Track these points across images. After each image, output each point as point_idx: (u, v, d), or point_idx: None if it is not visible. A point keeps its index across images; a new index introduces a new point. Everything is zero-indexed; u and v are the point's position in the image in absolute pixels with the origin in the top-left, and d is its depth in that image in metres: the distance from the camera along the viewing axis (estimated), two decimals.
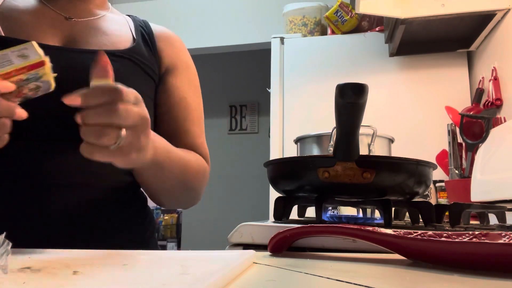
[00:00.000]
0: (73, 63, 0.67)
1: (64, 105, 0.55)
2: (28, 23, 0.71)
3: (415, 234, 0.41)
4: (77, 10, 0.76)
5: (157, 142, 0.62)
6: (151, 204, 0.80)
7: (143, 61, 0.75)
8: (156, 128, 0.79)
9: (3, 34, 0.67)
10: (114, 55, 0.71)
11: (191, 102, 0.81)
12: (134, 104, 0.50)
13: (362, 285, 0.30)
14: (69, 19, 0.74)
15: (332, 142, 0.90)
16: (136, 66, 0.74)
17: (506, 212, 0.80)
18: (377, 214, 0.82)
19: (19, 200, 0.63)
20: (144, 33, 0.80)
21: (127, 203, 0.73)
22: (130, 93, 0.50)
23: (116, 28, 0.78)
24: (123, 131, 0.48)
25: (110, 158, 0.49)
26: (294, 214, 0.81)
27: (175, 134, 0.78)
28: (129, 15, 0.86)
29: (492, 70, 1.60)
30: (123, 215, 0.72)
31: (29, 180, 0.64)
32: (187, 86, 0.82)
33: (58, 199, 0.64)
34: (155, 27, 0.84)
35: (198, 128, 0.81)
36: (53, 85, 0.52)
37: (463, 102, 1.86)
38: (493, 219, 0.84)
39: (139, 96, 0.52)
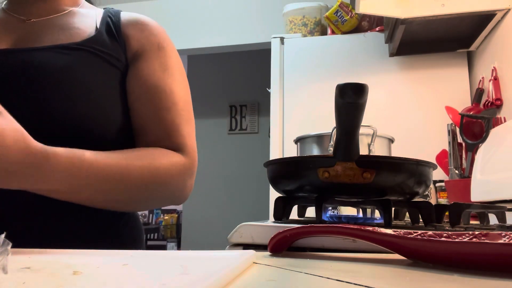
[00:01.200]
0: (22, 63, 0.66)
1: (16, 107, 0.52)
2: None
3: (415, 234, 0.41)
4: (40, 10, 0.75)
5: (35, 165, 0.51)
6: None
7: (103, 50, 0.71)
8: (131, 118, 0.73)
9: None
10: (67, 48, 0.68)
11: (163, 87, 0.72)
12: None
13: (362, 285, 0.29)
14: (27, 21, 0.73)
15: (332, 142, 0.90)
16: (94, 56, 0.70)
17: (506, 212, 0.80)
18: (377, 214, 0.82)
19: None
20: (110, 23, 0.76)
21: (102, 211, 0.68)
22: None
23: (77, 21, 0.75)
24: None
25: None
26: (294, 214, 0.81)
27: (148, 125, 0.70)
28: (105, 8, 0.82)
29: (492, 70, 1.60)
30: (99, 220, 0.70)
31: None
32: (160, 70, 0.73)
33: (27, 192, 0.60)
34: (125, 15, 0.78)
35: (175, 115, 0.71)
36: None
37: (463, 102, 1.86)
38: (493, 219, 0.84)
39: None
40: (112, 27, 0.75)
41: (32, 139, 0.50)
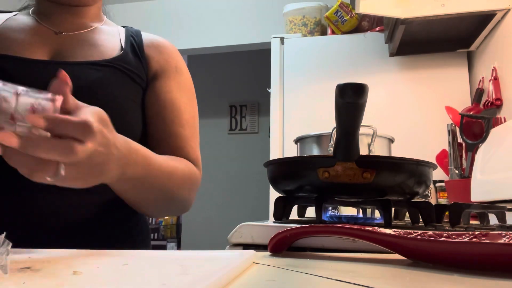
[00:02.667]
0: (55, 76, 0.68)
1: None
2: (19, 41, 0.74)
3: (415, 234, 0.41)
4: (68, 24, 0.79)
5: (130, 157, 0.56)
6: None
7: (129, 68, 0.77)
8: (147, 132, 0.78)
9: None
10: (98, 64, 0.74)
11: (180, 105, 0.80)
12: (80, 140, 0.43)
13: (362, 285, 0.30)
14: (59, 33, 0.77)
15: (332, 142, 0.90)
16: (122, 73, 0.75)
17: (506, 212, 0.80)
18: (377, 214, 0.82)
19: (11, 203, 0.64)
20: (133, 43, 0.82)
21: (116, 210, 0.73)
22: (79, 125, 0.43)
23: (104, 39, 0.80)
24: (62, 168, 0.42)
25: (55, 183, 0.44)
26: (294, 214, 0.81)
27: (163, 138, 0.77)
28: (124, 26, 0.88)
29: (492, 70, 1.60)
30: (111, 222, 0.73)
31: (20, 183, 0.64)
32: (176, 89, 0.81)
33: (46, 203, 0.65)
34: (146, 36, 0.85)
35: (188, 131, 0.80)
36: None
37: (463, 102, 1.86)
38: (493, 219, 0.84)
39: (92, 127, 0.44)
40: (136, 47, 0.81)
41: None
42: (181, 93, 0.82)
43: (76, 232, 0.67)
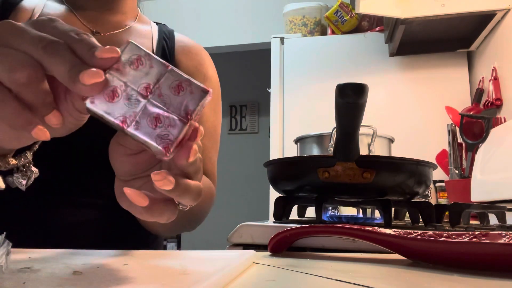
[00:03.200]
0: None
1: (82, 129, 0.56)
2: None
3: (415, 234, 0.41)
4: (104, 21, 0.75)
5: None
6: None
7: None
8: None
9: None
10: None
11: (205, 120, 0.77)
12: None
13: (362, 285, 0.29)
14: (96, 33, 0.74)
15: (332, 142, 0.90)
16: None
17: (506, 212, 0.80)
18: (377, 214, 0.82)
19: (26, 211, 0.64)
20: (165, 47, 0.79)
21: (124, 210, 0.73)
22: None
23: (138, 43, 0.78)
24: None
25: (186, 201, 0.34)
26: (294, 214, 0.81)
27: None
28: (157, 23, 0.84)
29: (492, 70, 1.60)
30: (127, 223, 0.72)
31: (40, 193, 0.63)
32: None
33: (65, 215, 0.65)
34: (178, 39, 0.82)
35: (206, 140, 0.77)
36: None
37: (463, 102, 1.86)
38: (493, 219, 0.84)
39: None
40: (167, 53, 0.78)
41: None
42: (207, 106, 0.79)
43: (86, 233, 0.67)
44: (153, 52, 0.77)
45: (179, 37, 0.83)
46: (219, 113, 0.82)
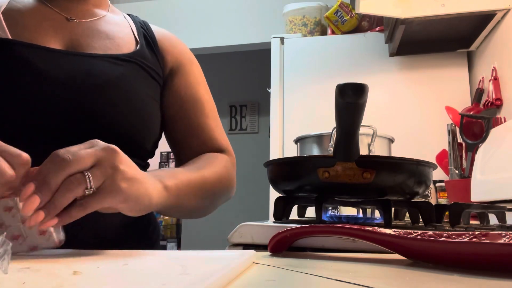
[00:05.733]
0: (79, 68, 0.67)
1: (74, 115, 0.55)
2: (31, 26, 0.69)
3: (415, 234, 0.41)
4: (77, 10, 0.74)
5: (159, 173, 0.60)
6: None
7: (147, 64, 0.75)
8: (170, 130, 0.79)
9: (10, 37, 0.66)
10: (119, 59, 0.71)
11: (200, 97, 0.81)
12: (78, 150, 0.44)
13: (362, 285, 0.30)
14: (70, 19, 0.73)
15: (332, 142, 0.90)
16: (142, 70, 0.73)
17: (506, 212, 0.80)
18: (377, 214, 0.82)
19: None
20: (147, 36, 0.79)
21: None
22: (66, 152, 0.43)
23: (118, 30, 0.77)
24: (87, 174, 0.43)
25: (110, 203, 0.45)
26: (294, 214, 0.81)
27: (191, 131, 0.78)
28: (128, 14, 0.85)
29: (492, 70, 1.60)
30: (130, 224, 0.72)
31: None
32: (195, 82, 0.82)
33: None
34: (156, 29, 0.83)
35: (213, 121, 0.81)
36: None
37: (463, 102, 1.86)
38: (493, 219, 0.84)
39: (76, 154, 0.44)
40: (150, 41, 0.79)
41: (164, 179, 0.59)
42: (199, 86, 0.82)
43: (86, 233, 0.67)
44: (136, 40, 0.77)
45: (154, 27, 0.84)
46: (210, 93, 0.86)
